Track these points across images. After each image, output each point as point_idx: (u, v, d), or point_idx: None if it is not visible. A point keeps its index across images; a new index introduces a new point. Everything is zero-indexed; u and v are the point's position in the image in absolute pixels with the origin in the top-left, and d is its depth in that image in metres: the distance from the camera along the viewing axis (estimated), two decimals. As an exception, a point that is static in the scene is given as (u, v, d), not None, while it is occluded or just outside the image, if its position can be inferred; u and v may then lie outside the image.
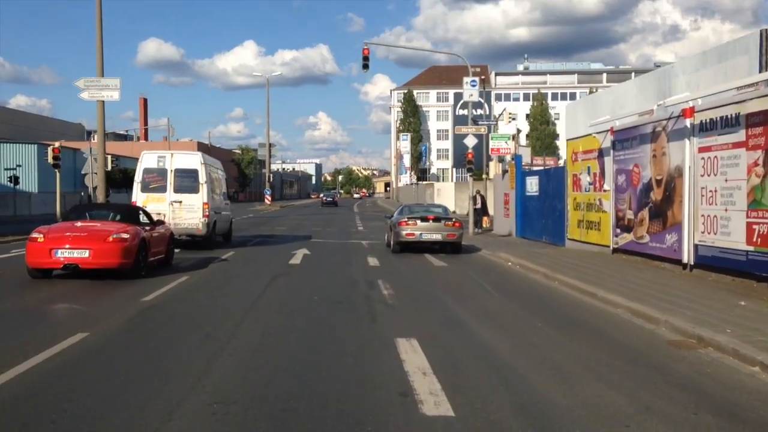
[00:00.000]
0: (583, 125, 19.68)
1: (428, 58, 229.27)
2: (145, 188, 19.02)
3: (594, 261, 15.87)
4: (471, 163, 27.69)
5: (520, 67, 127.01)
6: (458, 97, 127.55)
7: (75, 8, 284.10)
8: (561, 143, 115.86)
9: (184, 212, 18.86)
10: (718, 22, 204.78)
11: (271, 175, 62.77)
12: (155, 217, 17.66)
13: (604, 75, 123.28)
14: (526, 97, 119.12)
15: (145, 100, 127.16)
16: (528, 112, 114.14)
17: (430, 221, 19.05)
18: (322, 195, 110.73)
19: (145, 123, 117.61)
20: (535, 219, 24.09)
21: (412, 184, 64.75)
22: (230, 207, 23.63)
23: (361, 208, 68.73)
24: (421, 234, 18.88)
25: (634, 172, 15.60)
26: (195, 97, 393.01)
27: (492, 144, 29.12)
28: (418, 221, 19.01)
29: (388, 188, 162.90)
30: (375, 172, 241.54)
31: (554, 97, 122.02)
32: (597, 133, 17.99)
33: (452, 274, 14.97)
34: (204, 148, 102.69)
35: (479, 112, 55.00)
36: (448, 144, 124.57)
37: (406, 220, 19.06)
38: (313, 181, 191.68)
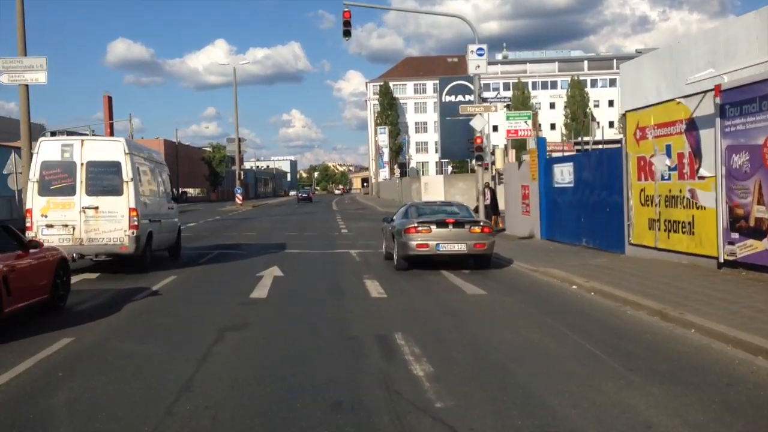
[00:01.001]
0: (654, 90, 14.30)
1: (401, 53, 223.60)
2: (45, 189, 13.23)
3: (709, 282, 10.48)
4: (480, 149, 22.27)
5: (499, 57, 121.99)
6: (437, 87, 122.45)
7: (41, 9, 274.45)
8: (545, 133, 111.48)
9: (102, 222, 13.18)
10: (686, 12, 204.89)
11: (242, 172, 56.89)
12: (59, 229, 12.10)
13: (585, 63, 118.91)
14: (506, 87, 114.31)
15: (110, 98, 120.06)
16: (508, 102, 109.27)
17: (450, 226, 13.57)
18: (297, 192, 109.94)
19: (110, 120, 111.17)
20: (568, 217, 18.73)
21: (396, 178, 59.16)
22: (176, 212, 17.85)
23: (341, 205, 63.08)
24: (438, 245, 13.41)
25: (767, 148, 10.23)
26: (166, 96, 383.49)
27: (508, 125, 23.57)
28: (433, 227, 13.52)
29: (365, 184, 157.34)
30: (351, 168, 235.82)
31: (534, 86, 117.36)
32: (683, 98, 12.61)
33: (505, 312, 9.50)
34: (172, 147, 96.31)
35: (468, 98, 49.59)
36: (427, 137, 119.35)
37: (416, 225, 13.57)
38: (288, 179, 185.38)
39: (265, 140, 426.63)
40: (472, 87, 52.34)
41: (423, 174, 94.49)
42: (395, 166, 60.07)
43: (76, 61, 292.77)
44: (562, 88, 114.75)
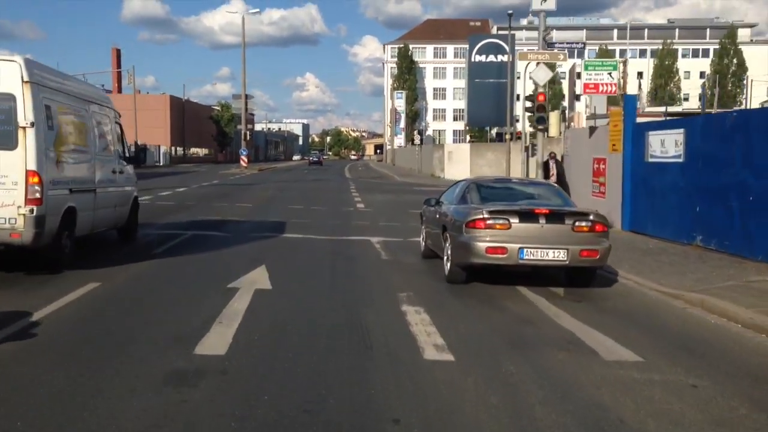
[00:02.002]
0: None
1: (419, 19, 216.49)
2: None
3: None
4: (542, 109, 16.91)
5: (524, 22, 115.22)
6: (458, 52, 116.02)
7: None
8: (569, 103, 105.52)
9: (-19, 193, 8.13)
10: None
11: (248, 132, 51.64)
12: None
13: (615, 31, 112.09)
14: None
15: (118, 51, 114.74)
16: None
17: (542, 220, 8.34)
18: (308, 156, 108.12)
19: (119, 75, 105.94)
20: (670, 204, 13.52)
21: (416, 145, 53.81)
22: (131, 177, 12.68)
23: (354, 172, 57.79)
24: (521, 250, 8.16)
25: None
26: (181, 55, 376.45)
27: (586, 76, 18.05)
28: (514, 220, 8.30)
29: (378, 151, 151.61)
30: (364, 133, 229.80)
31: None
32: None
33: None
34: (178, 104, 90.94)
35: (501, 58, 44.03)
36: (445, 104, 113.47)
37: (486, 217, 8.37)
38: (300, 142, 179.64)
39: (279, 103, 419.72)
40: (506, 46, 46.76)
41: (439, 142, 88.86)
42: (415, 133, 54.53)
43: (93, 15, 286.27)
44: (589, 57, 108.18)
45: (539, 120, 16.55)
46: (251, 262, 10.12)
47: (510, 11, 39.96)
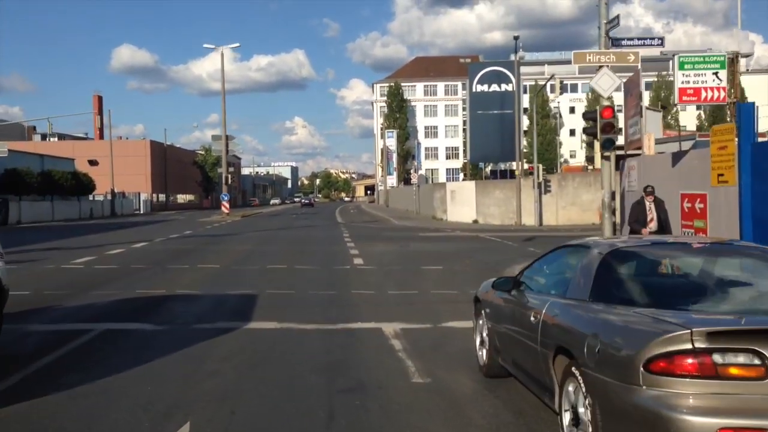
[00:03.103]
0: None
1: (405, 61, 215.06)
2: None
3: None
4: (610, 128, 12.10)
5: (512, 58, 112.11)
6: (449, 89, 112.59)
7: (43, 15, 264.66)
8: (564, 139, 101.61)
9: None
10: (690, 24, 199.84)
11: (230, 176, 46.80)
12: None
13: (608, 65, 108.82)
14: (523, 90, 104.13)
15: (100, 98, 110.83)
16: (526, 105, 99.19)
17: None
18: (299, 198, 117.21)
19: (100, 122, 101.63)
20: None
21: (411, 184, 49.10)
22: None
23: (346, 216, 52.87)
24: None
25: None
26: (170, 103, 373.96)
27: (681, 79, 13.05)
28: (775, 354, 3.41)
29: (369, 192, 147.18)
30: (353, 175, 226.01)
31: (552, 89, 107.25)
32: None
33: None
34: (159, 149, 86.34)
35: (504, 87, 39.69)
36: (437, 142, 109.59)
37: (706, 346, 3.29)
38: (289, 185, 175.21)
39: (268, 147, 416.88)
40: (509, 74, 42.55)
41: (431, 181, 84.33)
42: (412, 171, 50.35)
43: (80, 66, 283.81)
44: (582, 91, 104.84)
45: (606, 144, 11.72)
46: (165, 416, 5.14)
47: (516, 35, 35.74)
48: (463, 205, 37.38)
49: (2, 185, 48.78)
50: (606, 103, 11.58)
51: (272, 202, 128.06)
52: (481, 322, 6.54)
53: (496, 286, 5.84)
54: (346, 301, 11.00)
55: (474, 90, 39.95)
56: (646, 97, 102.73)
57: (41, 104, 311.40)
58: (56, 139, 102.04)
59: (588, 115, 12.51)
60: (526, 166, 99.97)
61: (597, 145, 16.92)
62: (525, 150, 59.73)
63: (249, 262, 17.40)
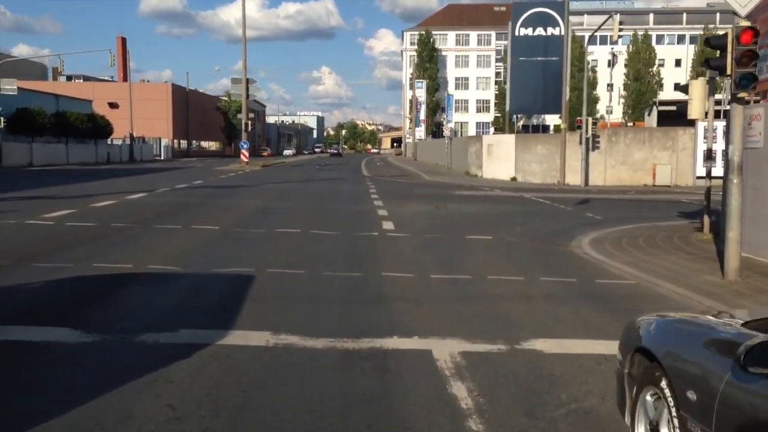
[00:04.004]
0: None
1: (435, 12, 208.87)
2: None
3: None
4: (749, 58, 8.54)
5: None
6: (482, 39, 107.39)
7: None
8: (600, 93, 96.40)
9: None
10: None
11: (259, 125, 43.53)
12: None
13: (651, 16, 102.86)
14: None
15: (124, 39, 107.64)
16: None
17: None
18: (321, 148, 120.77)
19: (124, 63, 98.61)
20: None
21: (444, 137, 45.59)
22: None
23: (372, 169, 49.52)
24: None
25: None
26: (198, 49, 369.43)
27: None
28: None
29: (396, 144, 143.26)
30: (380, 127, 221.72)
31: (592, 41, 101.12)
32: None
33: None
34: (181, 93, 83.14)
35: (551, 31, 35.60)
36: (467, 94, 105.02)
37: None
38: (315, 135, 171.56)
39: (295, 96, 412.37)
40: (557, 17, 38.29)
41: (460, 135, 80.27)
42: (444, 123, 47.04)
43: (109, 9, 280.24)
44: (622, 43, 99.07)
45: (744, 81, 8.25)
46: None
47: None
48: (501, 160, 33.89)
49: (13, 125, 46.13)
50: (745, 23, 8.16)
51: (286, 152, 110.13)
52: (666, 411, 3.20)
53: (751, 360, 2.53)
54: (374, 291, 7.83)
55: (517, 33, 35.93)
56: (691, 52, 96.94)
57: (70, 47, 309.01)
58: (82, 80, 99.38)
59: (715, 42, 8.99)
60: (558, 121, 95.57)
61: (696, 88, 13.41)
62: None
63: (256, 222, 14.29)
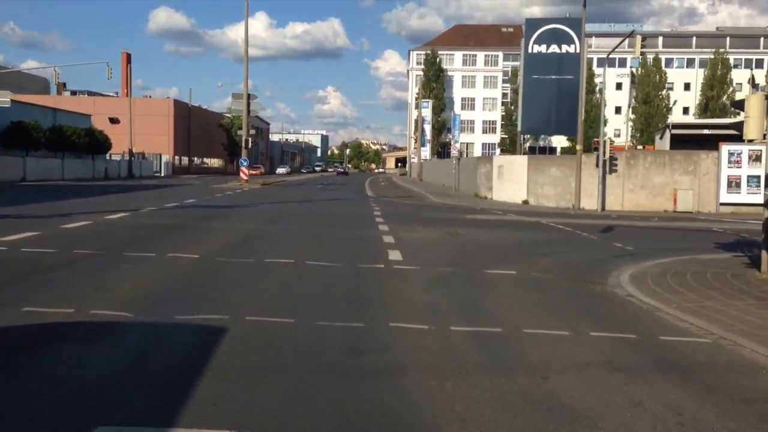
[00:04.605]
0: None
1: (442, 32, 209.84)
2: None
3: None
4: None
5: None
6: (489, 60, 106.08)
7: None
8: (608, 116, 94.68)
9: None
10: (736, 6, 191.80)
11: (250, 139, 41.91)
12: None
13: (660, 39, 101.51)
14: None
15: (128, 55, 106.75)
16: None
17: None
18: (321, 167, 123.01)
19: (128, 79, 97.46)
20: None
21: (451, 157, 43.89)
22: None
23: (377, 189, 47.76)
24: None
25: None
26: (205, 67, 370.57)
27: None
28: None
29: (400, 164, 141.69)
30: (384, 146, 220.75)
31: (600, 63, 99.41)
32: None
33: None
34: (183, 109, 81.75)
35: (564, 48, 33.97)
36: (474, 115, 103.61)
37: None
38: (319, 153, 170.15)
39: (300, 115, 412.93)
40: (572, 34, 36.68)
41: (466, 155, 78.59)
42: (452, 143, 45.66)
43: (119, 29, 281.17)
44: (631, 66, 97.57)
45: None
46: None
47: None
48: (512, 182, 32.05)
49: (6, 139, 44.54)
50: None
51: (279, 170, 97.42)
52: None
53: None
54: (382, 354, 5.92)
55: (530, 50, 34.31)
56: (700, 76, 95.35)
57: (78, 64, 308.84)
58: (86, 95, 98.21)
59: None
60: (566, 143, 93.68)
61: (754, 104, 11.59)
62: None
63: (245, 249, 12.41)
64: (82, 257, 10.55)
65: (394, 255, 12.37)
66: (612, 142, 49.39)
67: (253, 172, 74.29)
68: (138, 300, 7.57)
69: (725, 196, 30.05)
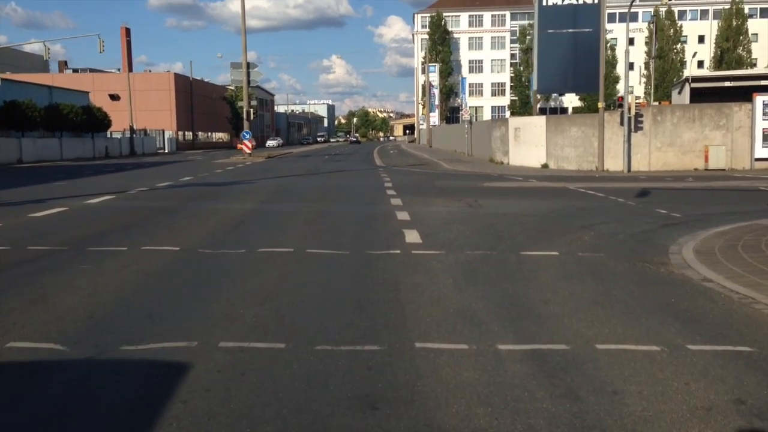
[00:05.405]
0: None
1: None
2: None
3: None
4: None
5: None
6: (496, 20, 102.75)
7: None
8: (620, 72, 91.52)
9: None
10: None
11: (252, 110, 39.89)
12: None
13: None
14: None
15: (127, 30, 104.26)
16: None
17: None
18: (323, 138, 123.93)
19: (128, 54, 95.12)
20: None
21: (465, 121, 41.74)
22: None
23: (386, 157, 45.72)
24: None
25: None
26: (208, 41, 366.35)
27: None
28: None
29: (408, 131, 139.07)
30: (391, 114, 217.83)
31: (611, 18, 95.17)
32: None
33: None
34: (185, 83, 79.54)
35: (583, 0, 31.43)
36: (482, 77, 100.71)
37: None
38: (326, 124, 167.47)
39: (305, 86, 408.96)
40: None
41: (475, 119, 76.24)
42: (463, 106, 43.67)
43: (119, 4, 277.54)
44: (643, 20, 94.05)
45: None
46: None
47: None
48: (530, 145, 29.95)
49: (0, 120, 42.70)
50: None
51: (269, 143, 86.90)
52: None
53: None
54: (408, 409, 4.01)
55: (544, 3, 31.89)
56: (714, 28, 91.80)
57: (79, 42, 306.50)
58: (89, 72, 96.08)
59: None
60: (578, 102, 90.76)
61: None
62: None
63: (236, 237, 10.56)
64: (36, 256, 8.70)
65: (411, 236, 10.47)
66: (638, 98, 47.03)
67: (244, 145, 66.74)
68: (79, 321, 5.71)
69: (760, 151, 28.04)
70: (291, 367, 4.61)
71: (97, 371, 4.53)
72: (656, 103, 67.47)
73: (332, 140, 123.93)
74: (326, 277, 7.65)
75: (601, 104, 28.34)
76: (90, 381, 4.37)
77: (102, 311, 6.06)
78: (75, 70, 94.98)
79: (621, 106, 27.93)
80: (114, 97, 70.76)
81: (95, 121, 52.91)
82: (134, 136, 58.90)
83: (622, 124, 27.54)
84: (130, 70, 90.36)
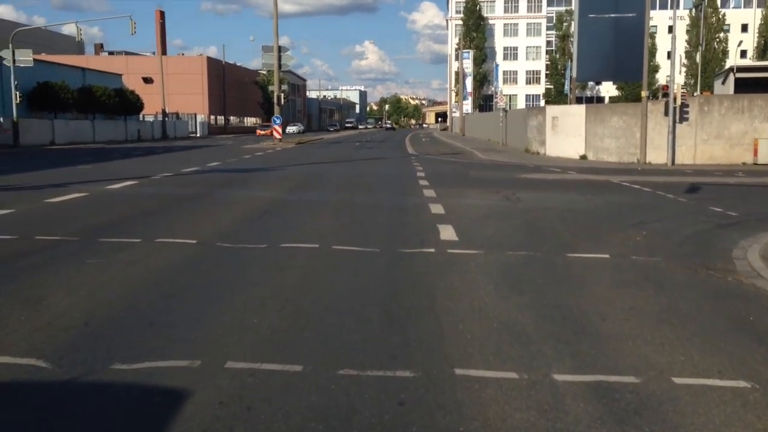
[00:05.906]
0: None
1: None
2: None
3: None
4: None
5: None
6: (532, 6, 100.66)
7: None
8: (660, 61, 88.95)
9: None
10: None
11: (282, 95, 39.27)
12: None
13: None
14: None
15: (162, 12, 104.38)
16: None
17: None
18: (352, 124, 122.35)
19: (162, 37, 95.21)
20: None
21: (499, 109, 40.62)
22: None
23: (418, 145, 44.79)
24: None
25: None
26: (242, 25, 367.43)
27: None
28: None
29: (440, 119, 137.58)
30: (423, 101, 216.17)
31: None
32: None
33: None
34: (217, 67, 79.25)
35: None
36: (516, 65, 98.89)
37: None
38: (357, 110, 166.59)
39: (338, 71, 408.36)
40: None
41: (509, 108, 74.65)
42: (498, 94, 42.64)
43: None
44: (684, 7, 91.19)
45: None
46: None
47: None
48: (568, 135, 28.80)
49: (33, 101, 42.67)
50: None
51: (289, 129, 73.44)
52: None
53: None
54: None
55: (582, -15, 30.59)
56: (758, 17, 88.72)
57: (115, 24, 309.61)
58: (123, 55, 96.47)
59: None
60: (615, 92, 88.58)
61: None
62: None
63: (258, 229, 9.84)
64: (42, 247, 8.08)
65: (446, 232, 9.64)
66: (683, 87, 45.35)
67: (264, 133, 61.35)
68: (72, 329, 5.01)
69: (814, 145, 26.57)
70: (308, 399, 3.84)
71: (76, 399, 3.81)
72: (697, 94, 65.34)
73: (360, 126, 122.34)
74: (353, 279, 6.87)
75: (644, 93, 27.06)
76: (65, 411, 3.65)
77: (99, 317, 5.36)
78: (110, 53, 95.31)
79: (666, 95, 26.63)
80: (147, 81, 70.77)
81: (128, 104, 52.80)
82: (166, 119, 58.75)
83: (666, 114, 26.24)
84: (164, 53, 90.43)
